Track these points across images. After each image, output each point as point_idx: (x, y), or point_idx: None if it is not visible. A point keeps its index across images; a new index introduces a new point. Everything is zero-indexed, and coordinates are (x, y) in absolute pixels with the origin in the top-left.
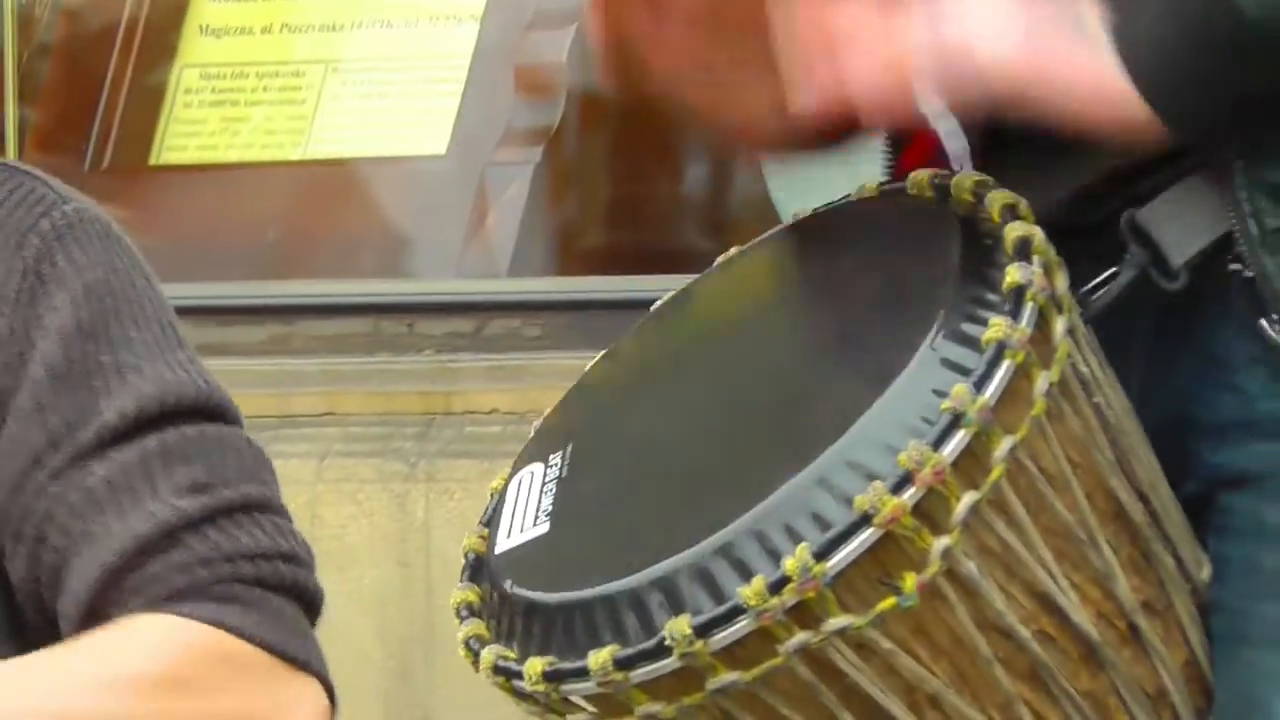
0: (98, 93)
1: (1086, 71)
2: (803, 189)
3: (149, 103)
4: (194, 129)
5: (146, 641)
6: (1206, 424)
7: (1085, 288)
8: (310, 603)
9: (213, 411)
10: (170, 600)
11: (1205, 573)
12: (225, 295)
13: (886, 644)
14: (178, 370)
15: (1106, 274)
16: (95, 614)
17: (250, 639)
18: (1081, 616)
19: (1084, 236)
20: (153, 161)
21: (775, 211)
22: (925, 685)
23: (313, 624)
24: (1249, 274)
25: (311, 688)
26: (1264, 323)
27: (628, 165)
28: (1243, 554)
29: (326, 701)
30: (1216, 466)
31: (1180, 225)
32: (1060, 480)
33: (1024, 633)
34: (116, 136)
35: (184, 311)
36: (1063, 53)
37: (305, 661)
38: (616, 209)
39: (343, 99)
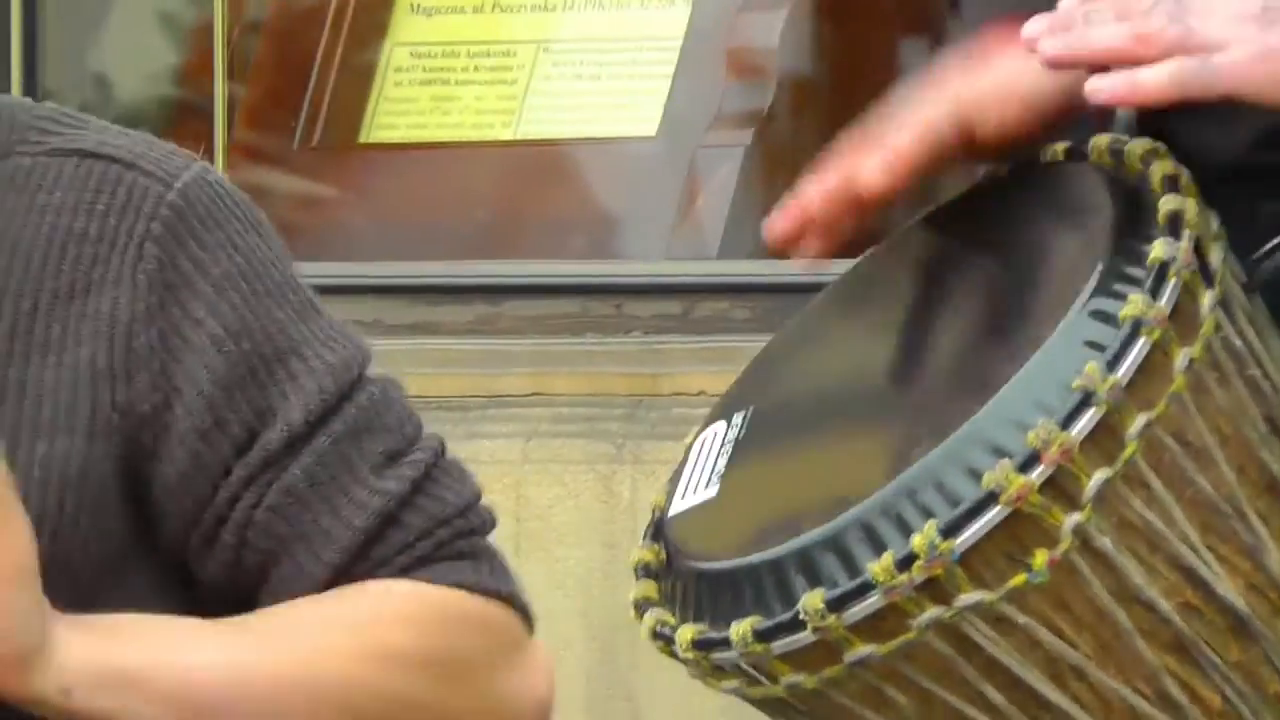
0: (308, 70)
1: None
2: None
3: (359, 81)
4: (404, 107)
5: (400, 612)
6: None
7: (1257, 254)
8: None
9: (365, 373)
10: (406, 574)
11: None
12: (434, 274)
13: (1023, 618)
14: (331, 345)
15: (1276, 241)
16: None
17: (488, 593)
18: (1228, 588)
19: (1265, 182)
20: (362, 140)
21: None
22: (1067, 658)
23: None
24: None
25: (540, 649)
26: None
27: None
28: None
29: (552, 663)
30: None
31: None
32: (1205, 454)
33: (1166, 605)
34: (326, 114)
35: (392, 290)
36: None
37: (525, 604)
38: None
39: (554, 79)
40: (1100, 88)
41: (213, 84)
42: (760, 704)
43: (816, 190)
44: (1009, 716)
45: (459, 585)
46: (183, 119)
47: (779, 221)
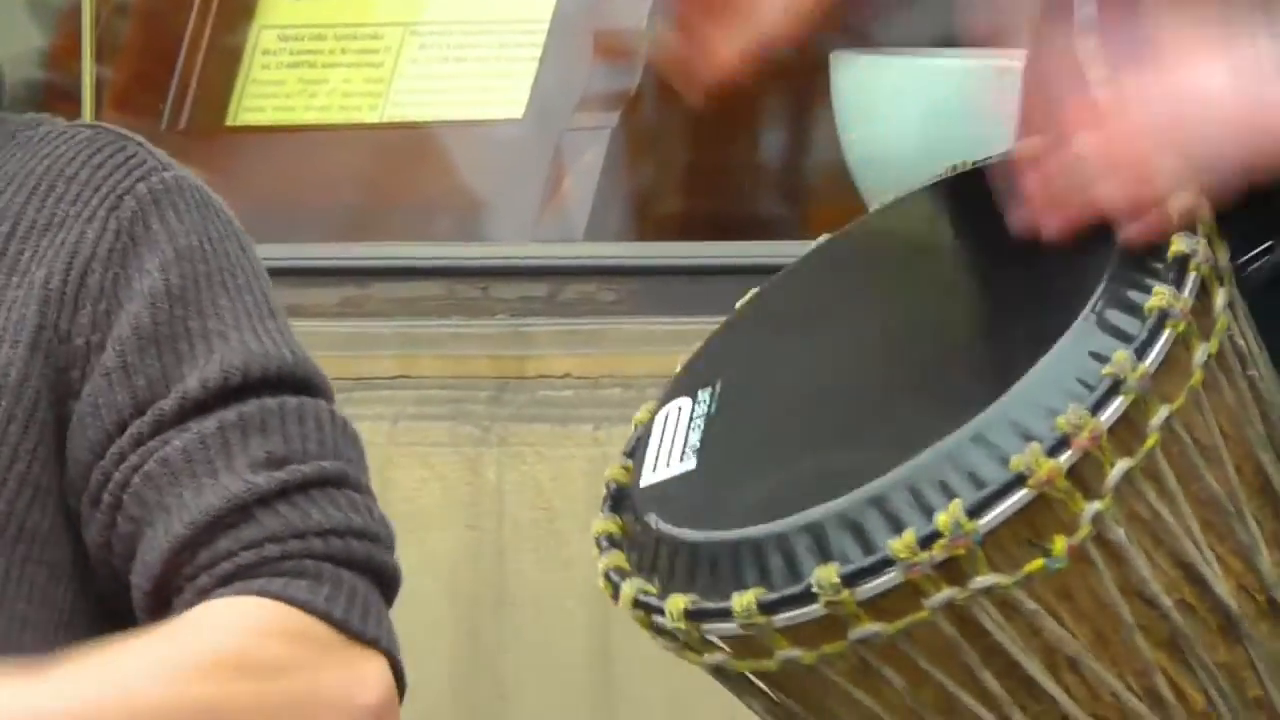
0: (175, 53)
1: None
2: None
3: (226, 63)
4: (271, 90)
5: (215, 623)
6: None
7: (1242, 259)
8: (387, 581)
9: (299, 383)
10: (239, 577)
11: None
12: (300, 257)
13: (1031, 605)
14: (265, 340)
15: (1263, 246)
16: (164, 587)
17: (317, 614)
18: (1223, 588)
19: (1249, 203)
20: (229, 122)
21: (851, 179)
22: (1065, 648)
23: (389, 603)
24: None
25: (377, 665)
26: None
27: (705, 131)
28: None
29: (392, 680)
30: None
31: None
32: (1212, 451)
33: (1167, 601)
34: (194, 97)
35: None
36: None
37: (374, 638)
38: (693, 175)
39: (420, 62)
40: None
41: (80, 67)
42: (736, 679)
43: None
44: (1000, 703)
45: (289, 601)
46: (50, 102)
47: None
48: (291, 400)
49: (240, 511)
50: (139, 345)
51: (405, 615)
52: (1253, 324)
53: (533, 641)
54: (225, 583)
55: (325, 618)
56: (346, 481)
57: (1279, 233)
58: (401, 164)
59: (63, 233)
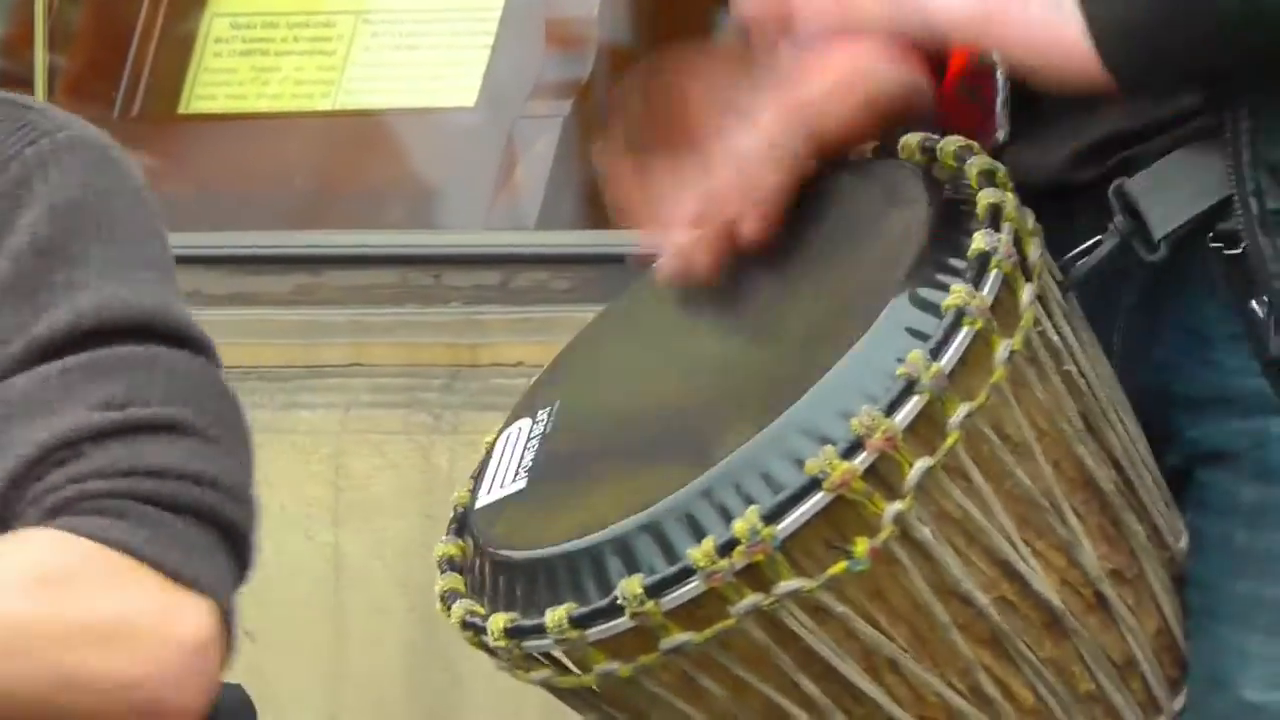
0: (128, 40)
1: (1039, 25)
2: None
3: (179, 51)
4: (224, 78)
5: (32, 551)
6: (1185, 398)
7: (1071, 254)
8: (224, 527)
9: (162, 333)
10: (63, 511)
11: (1183, 543)
12: (253, 245)
13: (840, 608)
14: (128, 289)
15: (1091, 241)
16: (1, 522)
17: (134, 554)
18: (1043, 584)
19: (1081, 198)
20: (182, 110)
21: None
22: (883, 649)
23: (236, 549)
24: (1231, 252)
25: (197, 603)
26: (1254, 304)
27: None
28: (1217, 530)
29: (215, 621)
30: (1194, 441)
31: (1166, 198)
32: (1023, 447)
33: (983, 599)
34: (146, 84)
35: (212, 260)
36: (1016, 6)
37: (193, 579)
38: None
39: (373, 50)
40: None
41: (33, 54)
42: (569, 695)
43: (700, 243)
44: (823, 708)
45: (105, 541)
46: (3, 89)
47: (669, 267)
48: (151, 348)
49: (69, 447)
50: (12, 279)
51: (358, 600)
52: (1077, 317)
53: None
54: (51, 516)
55: (141, 557)
56: (193, 429)
57: (1105, 229)
58: (354, 152)
59: None
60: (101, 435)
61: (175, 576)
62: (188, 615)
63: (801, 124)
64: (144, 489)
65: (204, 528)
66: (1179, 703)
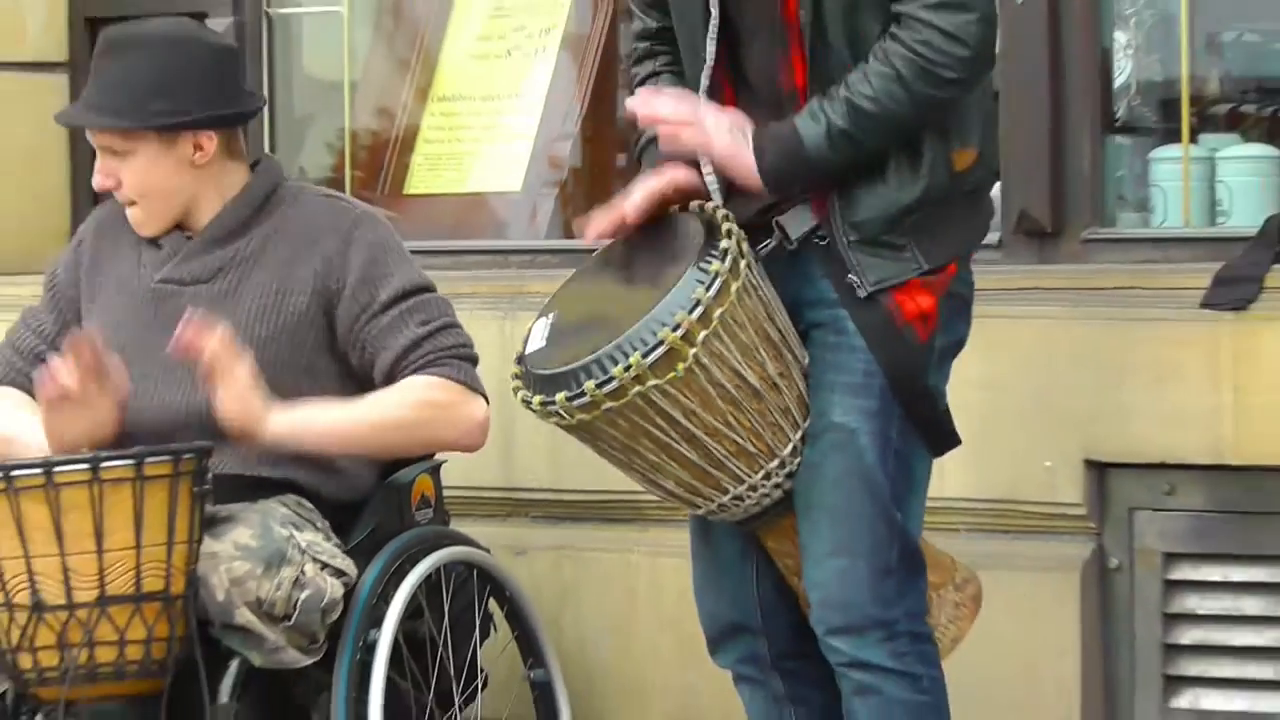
0: (384, 155)
1: (743, 160)
2: None
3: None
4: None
5: (412, 385)
6: (806, 301)
7: (759, 246)
8: (474, 363)
9: (426, 287)
10: (422, 368)
11: (806, 361)
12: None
13: (672, 391)
14: (413, 274)
15: (766, 242)
16: (389, 380)
17: (457, 381)
18: (753, 377)
19: (760, 227)
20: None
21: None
22: (693, 411)
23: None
24: (823, 244)
25: (480, 401)
26: (851, 277)
27: None
28: (817, 354)
29: (487, 408)
30: (810, 320)
31: (795, 223)
32: (745, 327)
33: (753, 379)
34: (391, 175)
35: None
36: (738, 149)
37: (480, 391)
38: None
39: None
40: (634, 105)
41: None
42: (569, 430)
43: (610, 219)
44: (671, 440)
45: (445, 376)
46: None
47: (597, 226)
48: (425, 296)
49: (415, 346)
50: (359, 284)
51: (493, 386)
52: (763, 274)
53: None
54: (417, 371)
55: (461, 383)
56: (454, 325)
57: (772, 236)
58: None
59: (319, 245)
60: (427, 336)
61: (474, 390)
62: (479, 408)
63: (667, 185)
64: (451, 353)
65: (471, 365)
66: (808, 424)
